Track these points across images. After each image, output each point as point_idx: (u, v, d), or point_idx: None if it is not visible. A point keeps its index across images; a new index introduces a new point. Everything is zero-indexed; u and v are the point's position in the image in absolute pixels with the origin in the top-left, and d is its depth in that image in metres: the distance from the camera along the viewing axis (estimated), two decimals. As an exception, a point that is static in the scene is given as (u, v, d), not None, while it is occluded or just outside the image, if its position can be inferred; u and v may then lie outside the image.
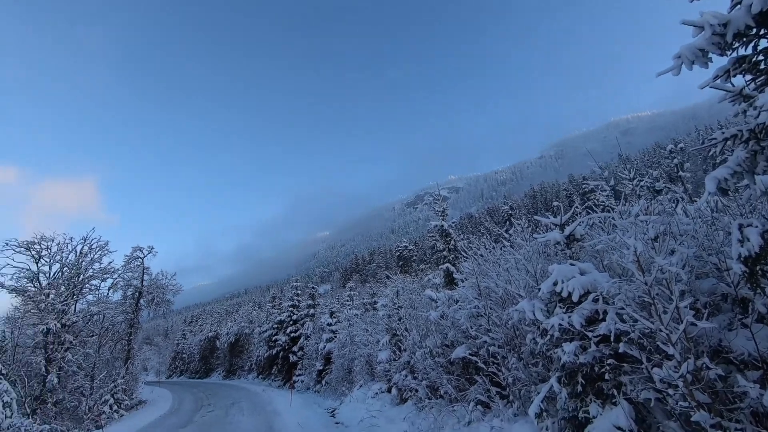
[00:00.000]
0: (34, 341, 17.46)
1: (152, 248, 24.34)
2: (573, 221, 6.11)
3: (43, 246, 18.11)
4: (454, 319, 8.56)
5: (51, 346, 17.27)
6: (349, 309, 23.46)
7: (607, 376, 4.76)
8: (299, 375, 25.72)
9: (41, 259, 18.20)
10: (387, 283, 26.11)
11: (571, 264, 5.51)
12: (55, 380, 17.31)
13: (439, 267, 12.07)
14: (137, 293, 23.67)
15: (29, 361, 16.95)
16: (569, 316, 5.18)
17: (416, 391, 9.85)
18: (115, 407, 19.41)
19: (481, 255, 8.39)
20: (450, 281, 11.28)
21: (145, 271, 23.99)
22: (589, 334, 4.93)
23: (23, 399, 15.40)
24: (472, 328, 7.46)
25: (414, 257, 55.50)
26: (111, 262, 20.75)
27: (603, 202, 7.82)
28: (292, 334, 28.96)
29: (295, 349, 27.92)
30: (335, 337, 21.74)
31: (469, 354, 7.56)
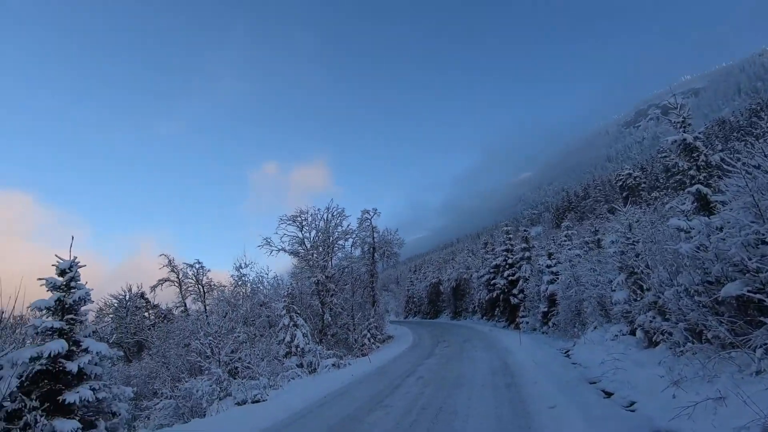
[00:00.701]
0: (311, 289, 22.85)
1: (376, 210, 28.12)
2: None
3: (302, 217, 23.20)
4: (718, 251, 6.92)
5: (322, 293, 22.29)
6: (569, 249, 21.94)
7: None
8: (523, 317, 25.90)
9: (303, 228, 23.37)
10: (610, 217, 23.10)
11: None
12: (329, 318, 22.41)
13: (685, 190, 9.84)
14: (371, 248, 27.96)
15: (310, 304, 22.34)
16: None
17: (670, 334, 8.57)
18: (371, 340, 23.82)
19: (757, 166, 6.37)
20: (704, 206, 9.10)
21: (374, 229, 28.01)
22: None
23: (312, 332, 20.56)
24: (750, 259, 5.87)
25: (642, 185, 47.10)
26: (348, 225, 25.06)
27: None
28: (510, 278, 29.15)
29: (515, 291, 28.11)
30: (557, 278, 20.83)
31: (748, 291, 6.03)
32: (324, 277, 22.15)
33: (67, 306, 7.10)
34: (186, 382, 12.56)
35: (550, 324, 20.96)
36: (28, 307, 6.88)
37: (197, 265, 25.62)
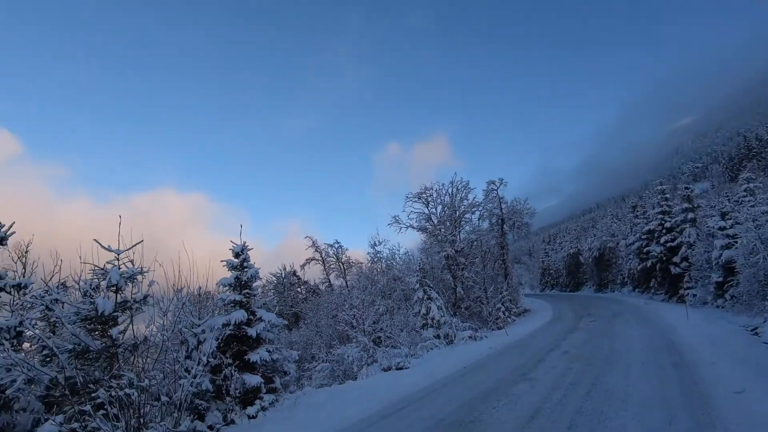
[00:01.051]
0: (441, 264, 23.18)
1: (502, 180, 26.89)
2: None
3: (427, 194, 23.50)
4: None
5: (452, 267, 22.45)
6: (751, 206, 17.96)
7: None
8: (688, 288, 22.28)
9: (429, 204, 23.69)
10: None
11: None
12: (461, 291, 22.51)
13: None
14: (500, 220, 26.98)
15: (442, 278, 22.70)
16: None
17: None
18: (506, 313, 23.22)
19: None
20: None
21: (501, 200, 26.92)
22: None
23: (446, 305, 20.94)
24: None
25: None
26: (474, 198, 24.54)
27: None
28: (668, 244, 25.24)
29: (675, 259, 24.30)
30: (735, 242, 17.29)
31: None
32: (453, 251, 22.23)
33: (242, 282, 8.49)
34: (337, 348, 14.07)
35: (727, 296, 17.61)
36: (216, 284, 8.45)
37: (336, 245, 28.15)
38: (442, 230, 23.09)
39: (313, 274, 32.74)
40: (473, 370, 10.19)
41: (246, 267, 8.53)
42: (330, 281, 29.96)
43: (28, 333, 7.37)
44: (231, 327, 7.90)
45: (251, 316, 8.26)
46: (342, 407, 7.71)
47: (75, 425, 5.58)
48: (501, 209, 27.07)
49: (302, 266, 30.92)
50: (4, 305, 7.92)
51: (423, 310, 17.13)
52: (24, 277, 10.00)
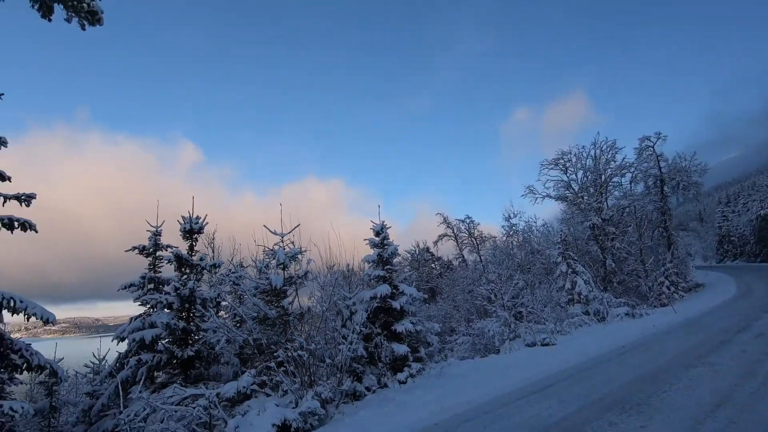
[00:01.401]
0: (586, 234, 21.12)
1: (660, 134, 23.00)
2: None
3: (565, 159, 21.51)
4: None
5: (599, 237, 20.27)
6: None
7: None
8: None
9: (568, 170, 21.67)
10: None
11: None
12: (612, 264, 20.20)
13: None
14: (658, 181, 23.26)
15: (588, 249, 20.71)
16: None
17: None
18: (672, 288, 20.10)
19: None
20: None
21: (659, 158, 23.11)
22: None
23: (594, 279, 19.08)
24: None
25: None
26: (624, 158, 21.56)
27: None
28: None
29: None
30: None
31: None
32: (599, 219, 20.03)
33: (384, 259, 9.05)
34: (477, 322, 14.06)
35: None
36: (361, 261, 9.20)
37: (467, 220, 27.87)
38: (585, 197, 20.94)
39: (446, 250, 33.08)
40: (633, 350, 9.15)
41: (386, 244, 9.04)
42: (463, 256, 29.93)
43: (223, 303, 9.13)
44: (377, 300, 8.52)
45: (394, 290, 8.77)
46: (488, 379, 7.74)
47: (264, 378, 6.76)
48: (659, 168, 23.29)
49: (435, 243, 31.50)
50: (205, 281, 9.94)
51: (567, 285, 15.96)
52: (214, 258, 12.29)
